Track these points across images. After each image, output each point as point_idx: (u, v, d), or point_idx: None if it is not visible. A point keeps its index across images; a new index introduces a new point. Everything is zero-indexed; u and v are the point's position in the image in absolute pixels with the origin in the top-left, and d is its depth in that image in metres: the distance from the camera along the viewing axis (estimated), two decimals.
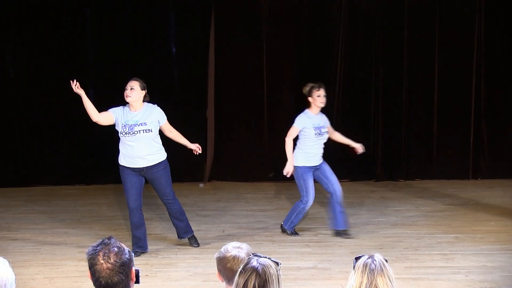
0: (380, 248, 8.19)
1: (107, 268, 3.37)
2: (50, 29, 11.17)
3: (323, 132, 8.75)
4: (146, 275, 7.45)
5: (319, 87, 8.69)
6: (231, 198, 10.88)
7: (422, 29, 11.59)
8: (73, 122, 11.12)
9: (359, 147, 9.06)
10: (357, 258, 3.68)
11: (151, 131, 7.96)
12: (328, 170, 8.82)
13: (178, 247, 8.52)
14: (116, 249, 3.42)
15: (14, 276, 3.26)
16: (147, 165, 8.00)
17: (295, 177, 8.74)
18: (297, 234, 8.87)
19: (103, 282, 3.38)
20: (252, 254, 3.58)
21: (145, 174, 8.06)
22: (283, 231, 8.94)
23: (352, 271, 3.63)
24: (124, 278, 3.40)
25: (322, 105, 8.75)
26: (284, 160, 11.66)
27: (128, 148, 7.94)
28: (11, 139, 11.35)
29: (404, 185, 11.70)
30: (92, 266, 3.40)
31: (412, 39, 11.57)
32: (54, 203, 10.60)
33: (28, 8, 11.13)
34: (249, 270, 3.42)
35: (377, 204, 10.52)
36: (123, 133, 7.92)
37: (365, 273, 3.56)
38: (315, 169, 8.77)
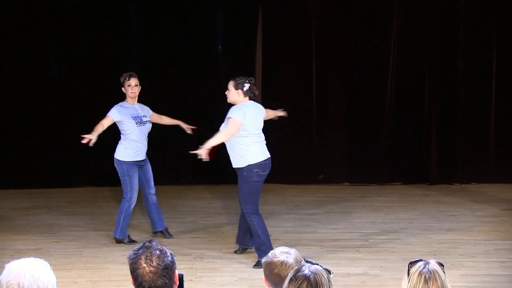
0: (434, 255, 8.03)
1: (150, 271, 3.32)
2: (95, 28, 11.17)
3: (145, 122, 8.64)
4: (191, 279, 7.42)
5: (129, 77, 8.56)
6: (278, 201, 10.74)
7: (478, 28, 11.36)
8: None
9: (187, 128, 8.90)
10: (411, 264, 3.52)
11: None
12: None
13: (224, 251, 8.46)
14: (158, 252, 3.36)
15: (55, 279, 3.18)
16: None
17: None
18: (135, 242, 8.63)
19: (146, 286, 3.33)
20: (304, 260, 3.46)
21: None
22: (118, 242, 8.73)
23: (406, 278, 3.49)
24: (167, 282, 3.34)
25: (133, 94, 8.60)
26: (333, 162, 11.52)
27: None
28: (55, 139, 11.34)
29: (460, 189, 11.46)
30: (134, 270, 3.35)
31: (468, 39, 11.34)
32: (97, 204, 10.62)
33: (73, 6, 11.12)
34: (300, 278, 3.31)
35: (430, 208, 10.30)
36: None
37: (419, 280, 3.41)
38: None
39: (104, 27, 11.15)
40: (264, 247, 7.72)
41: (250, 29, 11.30)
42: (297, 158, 11.64)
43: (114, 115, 8.50)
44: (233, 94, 7.93)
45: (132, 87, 8.50)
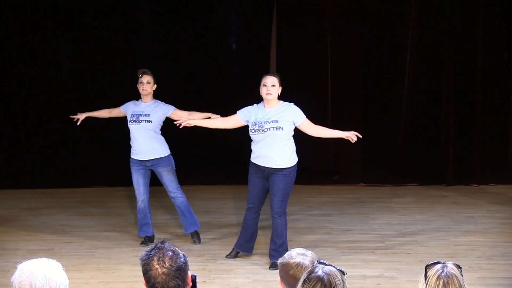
0: (451, 257, 7.97)
1: (163, 273, 3.33)
2: (107, 26, 11.13)
3: (141, 121, 8.48)
4: (204, 281, 7.43)
5: (142, 74, 8.50)
6: (293, 202, 10.53)
7: (496, 26, 11.22)
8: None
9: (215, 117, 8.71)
10: (428, 266, 3.52)
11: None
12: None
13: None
14: (170, 253, 3.38)
15: (68, 280, 3.20)
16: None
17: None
18: (145, 244, 8.64)
19: (159, 287, 3.33)
20: (317, 261, 3.46)
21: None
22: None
23: (423, 280, 3.50)
24: (180, 283, 3.35)
25: (145, 92, 8.49)
26: (348, 162, 11.44)
27: None
28: (67, 138, 11.30)
29: (477, 190, 11.34)
30: (147, 271, 3.36)
31: (485, 37, 11.21)
32: (109, 204, 10.58)
33: (85, 3, 11.10)
34: (313, 279, 3.31)
35: (448, 209, 10.22)
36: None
37: (438, 284, 3.42)
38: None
39: (117, 25, 11.11)
40: (282, 249, 7.68)
41: (264, 27, 11.22)
42: (311, 158, 11.54)
43: (122, 106, 8.59)
44: (278, 90, 7.82)
45: (143, 84, 8.41)
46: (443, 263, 3.49)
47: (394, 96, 11.23)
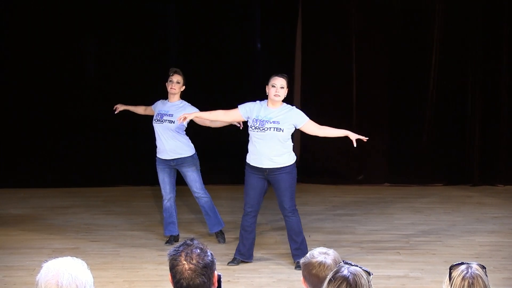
0: (477, 257, 7.91)
1: (189, 269, 3.33)
2: (133, 27, 11.17)
3: (164, 120, 8.47)
4: (228, 280, 7.43)
5: (173, 73, 8.48)
6: (317, 202, 10.66)
7: None
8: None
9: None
10: (452, 267, 3.49)
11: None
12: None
13: (262, 252, 8.41)
14: (198, 250, 3.38)
15: (93, 279, 3.21)
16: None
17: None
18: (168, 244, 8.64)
19: (184, 284, 3.33)
20: (343, 261, 3.45)
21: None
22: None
23: (447, 281, 3.48)
24: (206, 281, 3.34)
25: (173, 91, 8.49)
26: (373, 162, 11.40)
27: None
28: (93, 138, 11.36)
29: (503, 190, 11.28)
30: (174, 267, 3.36)
31: (511, 36, 11.04)
32: (134, 204, 10.59)
33: (110, 5, 11.12)
34: (339, 279, 3.30)
35: (473, 210, 10.17)
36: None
37: (463, 285, 3.40)
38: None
39: (142, 26, 11.14)
40: (303, 246, 7.73)
41: (289, 27, 11.21)
42: (337, 159, 11.53)
43: (153, 105, 8.63)
44: (286, 92, 7.78)
45: (173, 83, 8.41)
46: (468, 263, 3.47)
47: (420, 95, 11.18)
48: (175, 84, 8.40)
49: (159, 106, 8.51)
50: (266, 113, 7.67)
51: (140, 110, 8.93)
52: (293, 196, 7.84)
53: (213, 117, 8.11)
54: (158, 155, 8.56)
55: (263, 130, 7.61)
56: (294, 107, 7.85)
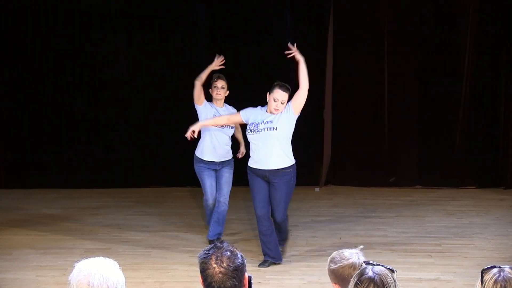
0: (509, 261, 7.85)
1: (220, 272, 3.32)
2: (163, 28, 11.18)
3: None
4: (259, 282, 7.42)
5: (217, 78, 8.51)
6: (348, 204, 10.60)
7: None
8: (188, 122, 10.97)
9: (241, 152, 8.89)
10: (484, 270, 3.45)
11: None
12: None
13: (293, 253, 8.40)
14: (228, 253, 3.37)
15: (124, 279, 3.23)
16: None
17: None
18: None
19: (215, 287, 3.33)
20: (364, 262, 3.43)
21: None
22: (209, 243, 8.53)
23: (479, 284, 3.43)
24: (237, 284, 3.34)
25: (218, 96, 8.51)
26: (404, 164, 11.34)
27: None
28: (124, 139, 11.40)
29: None
30: (204, 270, 3.35)
31: None
32: (165, 205, 10.59)
33: (142, 6, 11.15)
34: (365, 281, 3.27)
35: (505, 213, 10.05)
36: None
37: (494, 287, 3.35)
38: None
39: (173, 27, 11.15)
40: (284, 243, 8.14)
41: (321, 28, 11.16)
42: (368, 161, 11.49)
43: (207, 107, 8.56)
44: (285, 105, 7.84)
45: (218, 88, 8.45)
46: (500, 267, 3.43)
47: (452, 97, 11.08)
48: (220, 89, 8.46)
49: (211, 111, 8.49)
50: (263, 117, 7.78)
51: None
52: (286, 207, 7.97)
53: (217, 122, 8.26)
54: (206, 158, 8.53)
55: (258, 132, 7.72)
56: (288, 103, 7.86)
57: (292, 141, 7.91)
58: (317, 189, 11.35)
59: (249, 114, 7.86)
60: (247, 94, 10.77)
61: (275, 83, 7.84)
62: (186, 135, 7.99)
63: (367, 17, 11.19)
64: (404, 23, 11.14)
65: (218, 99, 8.49)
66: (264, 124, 7.70)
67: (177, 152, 11.16)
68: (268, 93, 7.78)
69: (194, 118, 8.39)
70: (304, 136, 10.24)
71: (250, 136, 7.81)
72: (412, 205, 10.38)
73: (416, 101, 11.19)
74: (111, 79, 11.30)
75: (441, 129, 11.21)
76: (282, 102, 7.71)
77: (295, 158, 7.92)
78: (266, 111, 7.78)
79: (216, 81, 8.47)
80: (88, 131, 11.35)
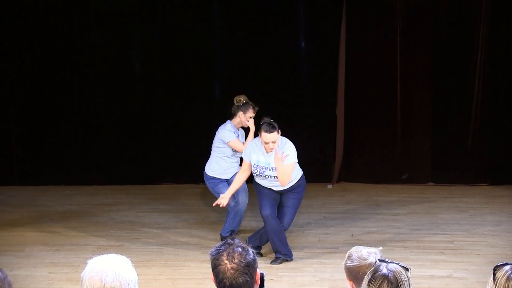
0: None
1: (232, 268, 3.31)
2: (178, 25, 11.14)
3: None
4: (271, 279, 7.44)
5: (254, 108, 8.46)
6: (361, 201, 10.57)
7: None
8: (201, 119, 11.02)
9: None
10: (497, 267, 3.43)
11: None
12: None
13: (305, 250, 8.42)
14: (240, 249, 3.36)
15: (137, 276, 3.22)
16: None
17: None
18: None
19: (227, 283, 3.32)
20: (378, 259, 3.44)
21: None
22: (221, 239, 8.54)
23: (491, 281, 3.41)
24: (249, 280, 3.32)
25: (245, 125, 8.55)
26: (417, 161, 11.31)
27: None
28: (137, 135, 11.39)
29: None
30: (216, 266, 3.35)
31: None
32: (178, 202, 10.58)
33: (155, 4, 11.15)
34: (379, 278, 3.26)
35: None
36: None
37: (507, 285, 3.32)
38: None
39: (187, 23, 11.12)
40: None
41: (333, 26, 11.11)
42: (380, 157, 11.45)
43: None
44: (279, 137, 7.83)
45: (251, 119, 8.40)
46: None
47: (465, 95, 11.03)
48: (251, 120, 8.42)
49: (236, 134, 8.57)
50: (265, 158, 7.79)
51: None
52: (295, 214, 8.10)
53: (240, 182, 8.13)
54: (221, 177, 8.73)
55: (265, 178, 7.84)
56: (287, 141, 7.85)
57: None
58: (329, 186, 11.32)
59: (251, 155, 7.87)
60: (260, 91, 10.80)
61: (261, 124, 7.73)
62: (217, 203, 8.06)
63: (380, 14, 11.13)
64: (417, 19, 11.08)
65: (245, 126, 8.50)
66: (269, 170, 7.78)
67: (191, 149, 11.17)
68: (259, 133, 7.76)
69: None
70: (316, 133, 10.24)
71: (258, 180, 7.93)
72: (425, 202, 10.34)
73: (429, 98, 11.13)
74: (124, 76, 11.29)
75: (454, 126, 11.16)
76: (274, 142, 7.66)
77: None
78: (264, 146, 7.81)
79: (254, 111, 8.41)
80: (102, 128, 11.35)
